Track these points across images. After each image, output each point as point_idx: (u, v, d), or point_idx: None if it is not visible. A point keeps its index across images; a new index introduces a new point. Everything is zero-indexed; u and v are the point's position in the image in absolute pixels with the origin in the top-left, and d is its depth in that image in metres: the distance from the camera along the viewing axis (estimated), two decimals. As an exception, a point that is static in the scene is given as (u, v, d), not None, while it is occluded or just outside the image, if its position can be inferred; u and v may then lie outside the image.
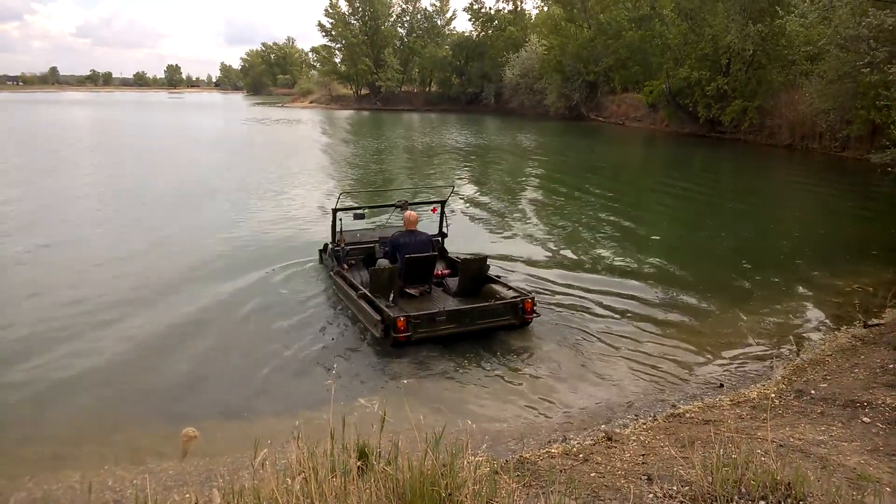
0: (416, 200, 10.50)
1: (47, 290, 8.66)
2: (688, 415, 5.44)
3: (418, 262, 7.57)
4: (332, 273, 8.60)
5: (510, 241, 11.42)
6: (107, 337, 7.15)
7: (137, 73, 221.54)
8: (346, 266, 8.32)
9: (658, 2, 34.48)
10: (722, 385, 6.13)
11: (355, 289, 7.46)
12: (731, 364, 6.65)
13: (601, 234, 12.44)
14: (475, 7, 66.98)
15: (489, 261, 8.21)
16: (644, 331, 7.44)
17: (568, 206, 15.50)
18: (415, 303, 7.46)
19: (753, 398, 5.70)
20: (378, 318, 6.65)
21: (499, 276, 8.12)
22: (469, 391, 5.98)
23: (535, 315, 7.14)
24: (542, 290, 8.57)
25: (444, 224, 9.34)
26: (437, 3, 75.57)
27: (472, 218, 13.43)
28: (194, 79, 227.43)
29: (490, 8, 66.59)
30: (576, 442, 4.96)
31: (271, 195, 16.01)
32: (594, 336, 7.22)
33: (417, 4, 75.74)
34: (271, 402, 5.82)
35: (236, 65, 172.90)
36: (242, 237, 11.67)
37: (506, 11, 65.97)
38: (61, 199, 15.15)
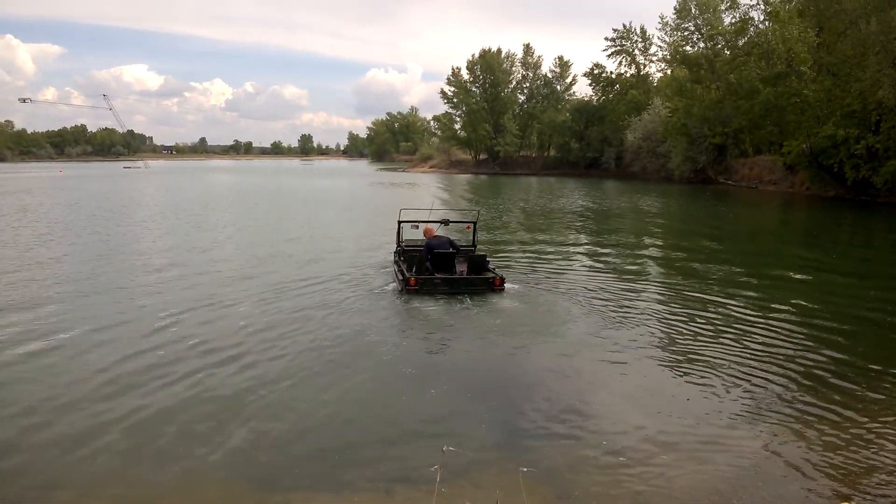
0: (455, 220, 14.64)
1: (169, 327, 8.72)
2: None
3: (442, 256, 11.26)
4: (394, 262, 12.51)
5: (632, 317, 10.34)
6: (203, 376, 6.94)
7: (274, 142, 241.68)
8: (403, 259, 12.10)
9: (795, 58, 32.37)
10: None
11: (400, 267, 11.62)
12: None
13: (751, 307, 11.07)
14: (596, 72, 66.97)
15: (488, 257, 12.14)
16: (828, 411, 6.24)
17: (701, 278, 14.15)
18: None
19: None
20: (402, 278, 10.90)
21: (496, 268, 11.54)
22: (614, 478, 5.10)
23: (502, 289, 10.66)
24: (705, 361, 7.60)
25: (475, 238, 13.34)
26: (557, 70, 76.52)
27: (589, 289, 12.40)
28: (324, 147, 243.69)
29: (611, 72, 66.31)
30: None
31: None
32: (764, 416, 6.12)
33: (538, 72, 77.05)
34: (366, 473, 5.14)
35: (363, 133, 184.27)
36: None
37: (628, 75, 65.36)
38: (213, 257, 15.81)
